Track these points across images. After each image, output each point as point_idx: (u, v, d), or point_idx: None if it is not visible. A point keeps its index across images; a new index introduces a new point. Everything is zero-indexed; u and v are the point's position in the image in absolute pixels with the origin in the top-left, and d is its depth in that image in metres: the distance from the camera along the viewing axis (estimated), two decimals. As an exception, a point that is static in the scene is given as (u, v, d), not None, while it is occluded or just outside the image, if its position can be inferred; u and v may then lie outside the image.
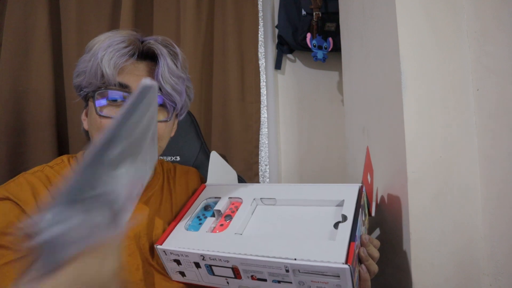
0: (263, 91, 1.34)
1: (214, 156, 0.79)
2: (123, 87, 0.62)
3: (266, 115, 1.34)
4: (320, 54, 1.28)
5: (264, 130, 1.33)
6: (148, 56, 0.66)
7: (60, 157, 0.69)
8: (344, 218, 0.59)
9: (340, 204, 0.64)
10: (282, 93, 1.41)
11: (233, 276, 0.59)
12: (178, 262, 0.63)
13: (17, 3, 1.10)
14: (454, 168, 0.69)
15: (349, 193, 0.65)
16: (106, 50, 0.61)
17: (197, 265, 0.61)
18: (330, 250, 0.53)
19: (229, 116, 1.27)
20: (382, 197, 0.78)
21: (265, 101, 1.34)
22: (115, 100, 0.63)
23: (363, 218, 0.64)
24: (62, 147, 1.14)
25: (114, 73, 0.61)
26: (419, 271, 0.66)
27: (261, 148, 1.32)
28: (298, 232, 0.62)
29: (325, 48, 1.28)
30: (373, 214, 0.70)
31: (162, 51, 0.64)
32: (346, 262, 0.50)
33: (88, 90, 0.64)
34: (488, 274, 0.68)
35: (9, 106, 1.07)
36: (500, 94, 0.67)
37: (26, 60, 1.10)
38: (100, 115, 0.62)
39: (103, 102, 0.63)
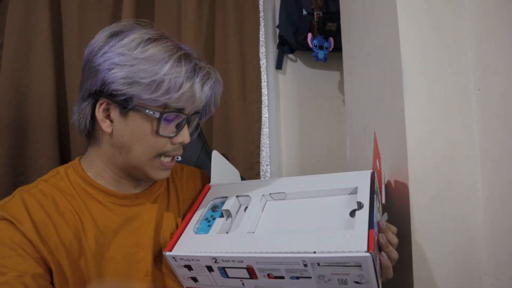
0: (264, 91, 1.34)
1: (216, 156, 0.77)
2: (181, 111, 0.62)
3: (267, 115, 1.34)
4: (321, 54, 1.28)
5: (265, 130, 1.33)
6: None
7: (56, 169, 0.68)
8: (360, 205, 0.57)
9: (354, 191, 0.62)
10: (283, 93, 1.41)
11: (249, 277, 0.57)
12: (189, 267, 0.60)
13: (19, 3, 1.10)
14: (455, 167, 0.69)
15: (361, 179, 0.62)
16: (195, 76, 0.60)
17: (210, 268, 0.59)
18: (350, 239, 0.51)
19: (230, 116, 1.27)
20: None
21: (266, 101, 1.34)
22: (170, 122, 0.63)
23: (378, 205, 0.62)
24: (63, 147, 1.14)
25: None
26: (420, 270, 0.66)
27: (262, 148, 1.32)
28: (312, 224, 0.60)
29: (326, 48, 1.28)
30: (383, 201, 0.68)
31: (218, 80, 0.66)
32: (368, 250, 0.48)
33: (146, 103, 0.59)
34: (490, 274, 0.67)
35: (10, 106, 1.06)
36: (501, 93, 0.67)
37: (28, 61, 1.10)
38: (161, 135, 0.61)
39: (166, 122, 0.62)
